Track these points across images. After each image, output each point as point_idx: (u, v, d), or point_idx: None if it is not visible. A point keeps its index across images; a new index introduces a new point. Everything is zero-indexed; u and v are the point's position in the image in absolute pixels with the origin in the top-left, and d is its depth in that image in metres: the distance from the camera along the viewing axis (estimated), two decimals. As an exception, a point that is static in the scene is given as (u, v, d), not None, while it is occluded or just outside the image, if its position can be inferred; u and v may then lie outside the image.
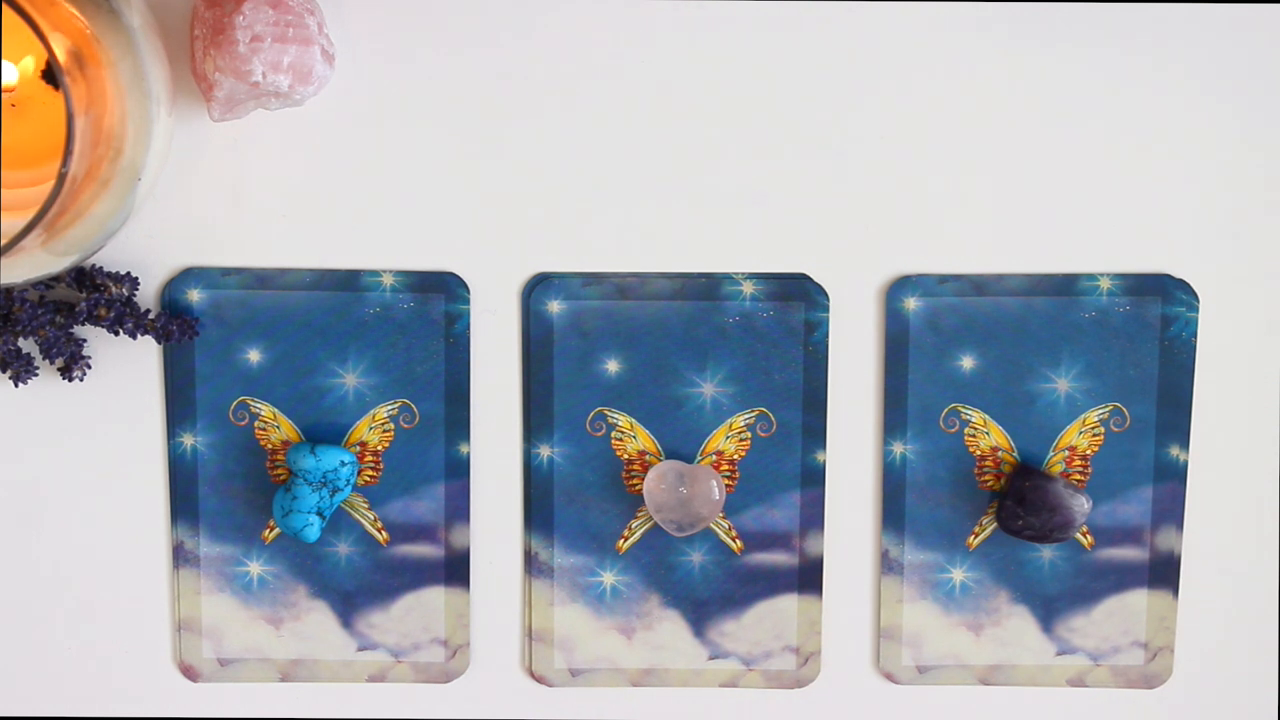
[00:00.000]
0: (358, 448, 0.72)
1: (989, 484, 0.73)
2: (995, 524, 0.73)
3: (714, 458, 0.73)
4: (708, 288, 0.71)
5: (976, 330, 0.72)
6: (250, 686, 0.74)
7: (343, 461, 0.71)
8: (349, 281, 0.71)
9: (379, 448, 0.72)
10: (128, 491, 0.73)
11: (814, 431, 0.72)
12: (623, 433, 0.72)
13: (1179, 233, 0.71)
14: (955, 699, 0.75)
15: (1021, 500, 0.72)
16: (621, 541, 0.73)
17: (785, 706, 0.75)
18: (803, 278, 0.71)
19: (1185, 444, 0.73)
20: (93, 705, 0.75)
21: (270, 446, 0.72)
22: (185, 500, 0.73)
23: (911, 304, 0.72)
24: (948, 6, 0.70)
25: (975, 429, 0.72)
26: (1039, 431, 0.73)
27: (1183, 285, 0.71)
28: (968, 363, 0.72)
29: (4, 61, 0.65)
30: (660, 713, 0.75)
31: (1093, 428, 0.72)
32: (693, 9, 0.69)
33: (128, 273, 0.70)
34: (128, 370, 0.72)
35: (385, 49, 0.69)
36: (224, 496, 0.73)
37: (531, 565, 0.73)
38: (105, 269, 0.70)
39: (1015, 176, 0.71)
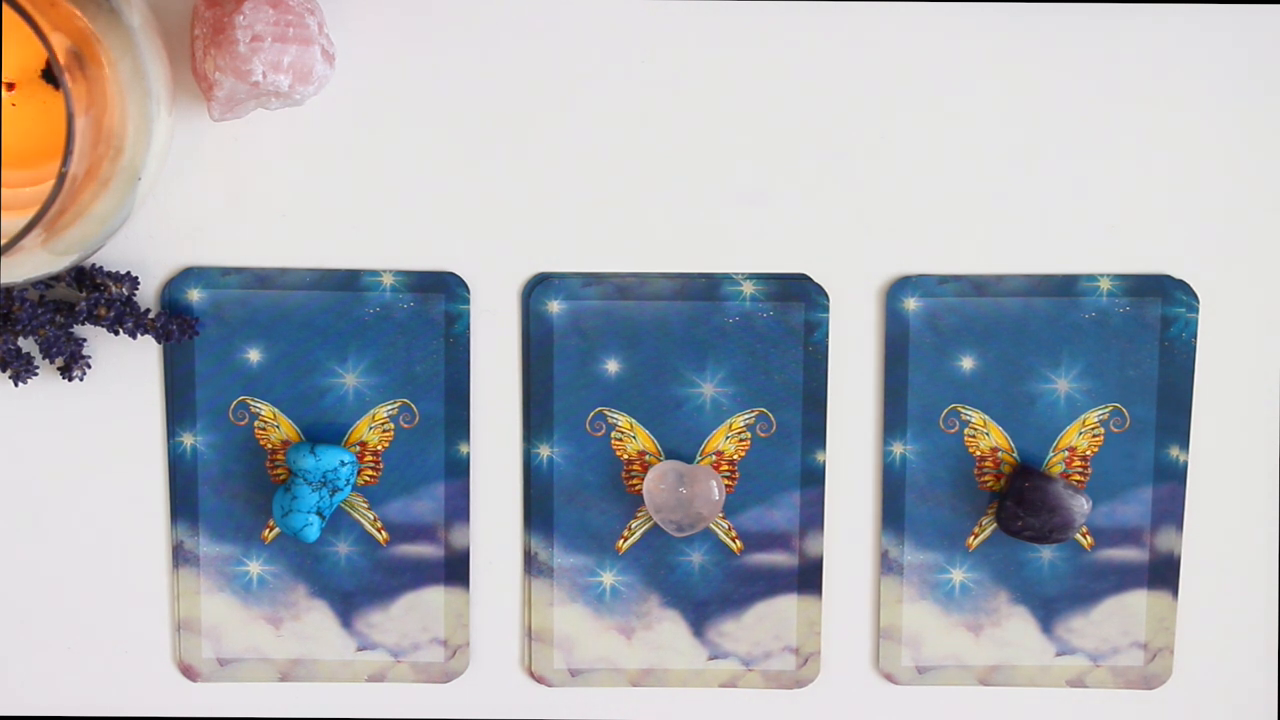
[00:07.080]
0: (357, 447, 0.72)
1: (989, 484, 0.73)
2: (995, 524, 0.73)
3: (714, 458, 0.73)
4: (708, 288, 0.71)
5: (976, 330, 0.72)
6: (250, 686, 0.74)
7: (342, 461, 0.71)
8: (349, 281, 0.71)
9: (379, 448, 0.72)
10: (127, 491, 0.73)
11: (814, 432, 0.72)
12: (623, 433, 0.72)
13: (1179, 233, 0.71)
14: (955, 700, 0.75)
15: (1021, 501, 0.72)
16: (621, 541, 0.73)
17: (785, 707, 0.75)
18: (803, 278, 0.71)
19: (1185, 444, 0.73)
20: (93, 705, 0.75)
21: (270, 446, 0.72)
22: (185, 500, 0.73)
23: (911, 304, 0.72)
24: (948, 7, 0.70)
25: (975, 429, 0.72)
26: (1039, 432, 0.73)
27: (1183, 285, 0.71)
28: (968, 363, 0.72)
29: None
30: (660, 713, 0.75)
31: (1092, 428, 0.72)
32: (693, 9, 0.69)
33: (128, 272, 0.70)
34: (128, 370, 0.72)
35: (385, 49, 0.69)
36: (224, 496, 0.73)
37: (531, 565, 0.73)
38: (105, 268, 0.70)
39: (1015, 177, 0.71)
